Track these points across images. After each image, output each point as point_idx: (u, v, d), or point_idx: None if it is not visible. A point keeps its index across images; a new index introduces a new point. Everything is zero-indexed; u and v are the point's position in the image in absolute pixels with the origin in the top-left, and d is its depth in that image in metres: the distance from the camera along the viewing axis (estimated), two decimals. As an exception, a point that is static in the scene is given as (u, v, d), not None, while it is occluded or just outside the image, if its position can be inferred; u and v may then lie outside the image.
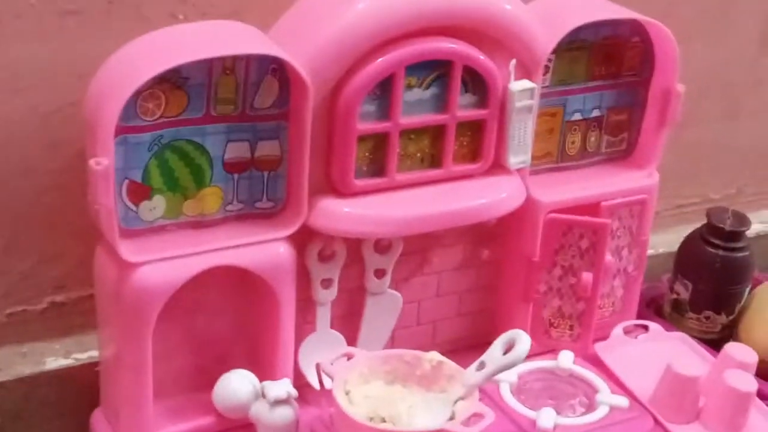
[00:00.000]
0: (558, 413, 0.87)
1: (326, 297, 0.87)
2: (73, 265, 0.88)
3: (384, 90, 0.81)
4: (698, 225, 1.09)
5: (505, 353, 0.81)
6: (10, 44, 0.80)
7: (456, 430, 0.77)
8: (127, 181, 0.77)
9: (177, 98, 0.76)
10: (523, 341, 0.80)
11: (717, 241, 1.04)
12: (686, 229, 1.11)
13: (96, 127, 0.73)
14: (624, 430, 0.88)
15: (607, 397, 0.89)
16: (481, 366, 0.81)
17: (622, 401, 0.89)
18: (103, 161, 0.72)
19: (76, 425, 0.86)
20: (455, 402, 0.81)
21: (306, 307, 0.87)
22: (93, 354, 0.89)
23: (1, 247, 0.86)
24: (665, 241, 1.17)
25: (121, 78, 0.73)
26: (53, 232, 0.87)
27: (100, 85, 0.75)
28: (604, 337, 0.99)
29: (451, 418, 0.79)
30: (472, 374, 0.81)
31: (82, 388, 0.88)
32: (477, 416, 0.78)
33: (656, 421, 0.89)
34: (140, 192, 0.78)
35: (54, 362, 0.89)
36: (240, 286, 0.84)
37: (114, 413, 0.84)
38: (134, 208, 0.78)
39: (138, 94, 0.74)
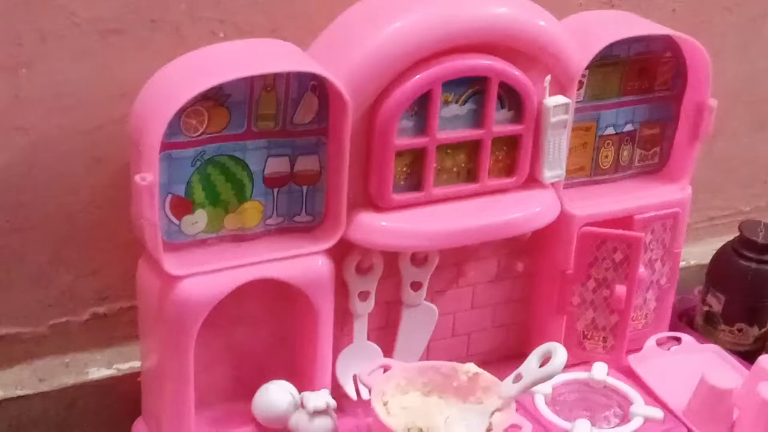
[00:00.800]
0: (593, 424, 0.87)
1: (363, 309, 0.89)
2: (115, 277, 0.90)
3: (421, 106, 0.82)
4: (729, 237, 1.09)
5: (541, 365, 0.82)
6: (54, 63, 0.82)
7: (493, 441, 0.78)
8: (170, 195, 0.79)
9: (219, 115, 0.78)
10: (560, 354, 0.81)
11: (750, 254, 1.05)
12: (717, 241, 1.11)
13: (141, 143, 0.75)
14: (658, 441, 0.89)
15: (642, 409, 0.90)
16: (518, 378, 0.82)
17: (657, 413, 0.89)
18: (148, 177, 0.74)
19: (120, 434, 0.88)
20: (492, 413, 0.82)
21: (343, 319, 0.88)
22: (134, 364, 0.91)
23: (46, 260, 0.88)
24: (697, 253, 1.18)
25: (165, 95, 0.75)
26: (96, 246, 0.89)
27: (145, 102, 0.77)
28: (638, 349, 1.00)
29: (489, 430, 0.80)
30: (508, 386, 0.82)
31: (123, 398, 0.90)
32: (514, 427, 0.79)
33: (690, 432, 0.90)
34: (183, 206, 0.79)
35: (96, 372, 0.91)
36: (279, 299, 0.85)
37: (155, 423, 0.85)
38: (177, 222, 0.80)
39: (182, 111, 0.75)
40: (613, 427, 0.89)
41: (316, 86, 0.80)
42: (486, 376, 0.85)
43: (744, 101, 1.17)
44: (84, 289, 0.90)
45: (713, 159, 1.14)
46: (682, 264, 1.05)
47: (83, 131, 0.85)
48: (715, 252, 1.09)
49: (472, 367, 0.85)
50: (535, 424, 0.86)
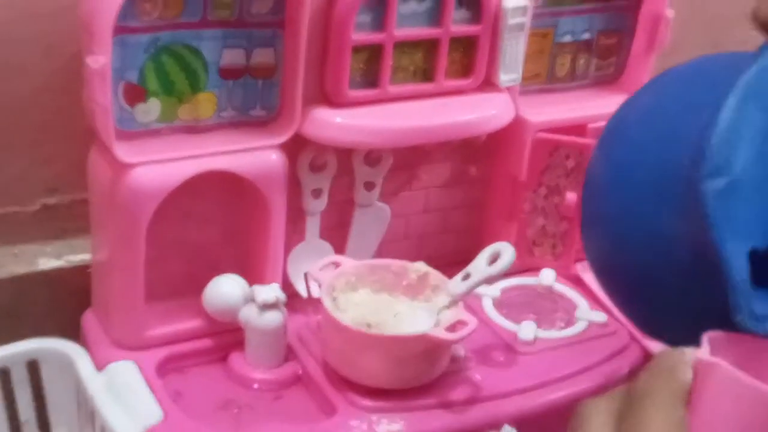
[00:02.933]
0: (538, 327, 0.89)
1: (316, 207, 0.89)
2: (67, 168, 0.89)
3: (379, 1, 0.82)
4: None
5: (490, 265, 0.83)
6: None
7: (440, 335, 0.79)
8: (123, 82, 0.78)
9: (173, 1, 0.77)
10: (508, 253, 0.82)
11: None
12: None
13: (93, 24, 0.73)
14: (602, 343, 0.90)
15: (586, 313, 0.92)
16: (466, 276, 0.83)
17: (600, 317, 0.91)
18: (101, 59, 0.73)
19: (68, 324, 0.87)
20: (440, 310, 0.83)
21: (296, 217, 0.88)
22: (85, 257, 0.90)
23: (-6, 148, 0.87)
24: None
25: (119, -23, 0.74)
26: (48, 135, 0.88)
27: (98, -16, 0.75)
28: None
29: (436, 326, 0.81)
30: (457, 284, 0.83)
31: (73, 290, 0.90)
32: (461, 323, 0.81)
33: (632, 336, 0.92)
34: (136, 94, 0.79)
35: (46, 263, 0.91)
36: (232, 193, 0.85)
37: (105, 314, 0.86)
38: (129, 109, 0.79)
39: (136, -6, 0.74)
40: (558, 330, 0.91)
41: (273, -24, 0.79)
42: (435, 274, 0.86)
43: (701, 19, 1.18)
44: (34, 179, 0.89)
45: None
46: (633, 179, 1.07)
47: (34, 15, 0.83)
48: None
49: (422, 266, 0.86)
50: (482, 325, 0.87)
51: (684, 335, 0.42)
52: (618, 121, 0.52)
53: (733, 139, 0.40)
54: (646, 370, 0.41)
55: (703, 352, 0.39)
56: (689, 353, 0.39)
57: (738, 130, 0.40)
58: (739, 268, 0.40)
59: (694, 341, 0.40)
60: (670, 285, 0.44)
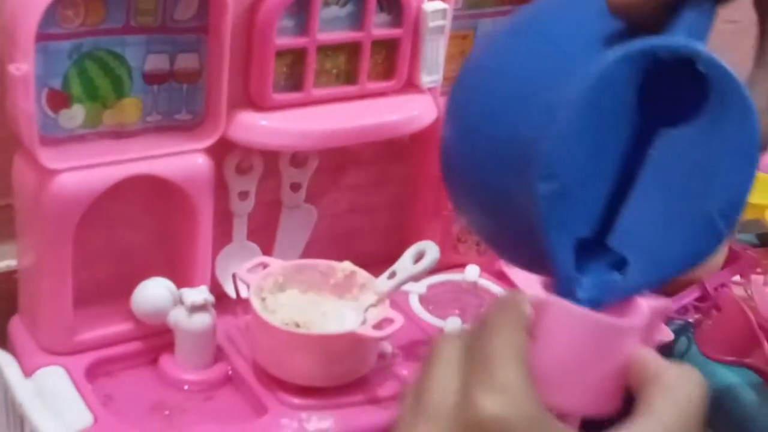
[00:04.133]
0: (464, 322, 0.91)
1: (243, 209, 0.90)
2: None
3: (302, 7, 0.83)
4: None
5: (415, 263, 0.85)
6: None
7: (367, 333, 0.81)
8: (46, 89, 0.78)
9: (96, 7, 0.77)
10: (432, 251, 0.85)
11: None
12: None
13: (15, 32, 0.73)
14: (525, 337, 0.93)
15: (510, 308, 0.94)
16: (392, 275, 0.85)
17: (524, 311, 0.94)
18: (23, 66, 0.73)
19: (-6, 331, 0.87)
20: (367, 309, 0.85)
21: (223, 219, 0.89)
22: (10, 263, 0.90)
23: None
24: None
25: (40, -16, 0.74)
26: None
27: (19, -9, 0.75)
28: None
29: (363, 323, 0.83)
30: (383, 282, 0.85)
31: (-1, 296, 0.90)
32: (387, 321, 0.82)
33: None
34: (60, 100, 0.79)
35: (-29, 270, 0.90)
36: (159, 197, 0.85)
37: (33, 320, 0.86)
38: (53, 115, 0.79)
39: (57, 1, 0.74)
40: (483, 325, 0.93)
41: (196, -18, 0.80)
42: (362, 273, 0.87)
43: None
44: (-43, 186, 0.89)
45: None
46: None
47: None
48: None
49: (348, 266, 0.88)
50: (409, 321, 0.89)
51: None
52: (469, 75, 0.51)
53: (569, 141, 0.42)
54: (489, 308, 0.44)
55: (537, 292, 0.44)
56: (527, 293, 0.44)
57: (575, 132, 0.42)
58: (564, 260, 0.43)
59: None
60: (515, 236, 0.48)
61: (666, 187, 0.43)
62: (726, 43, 0.51)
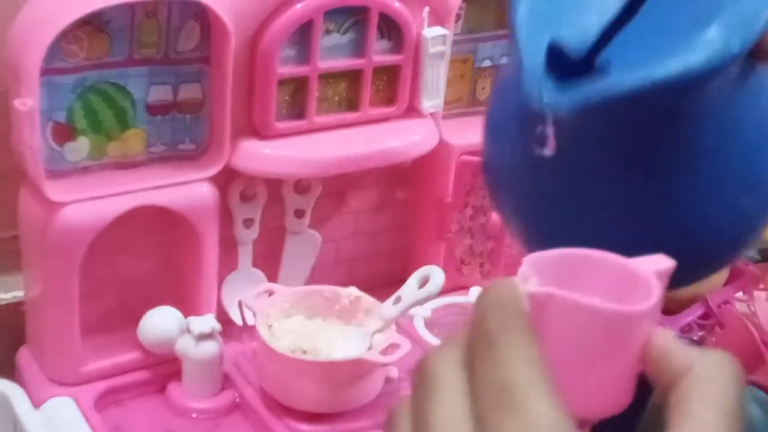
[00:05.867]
0: (469, 344, 0.91)
1: (248, 236, 0.91)
2: (-5, 207, 0.89)
3: (303, 35, 0.84)
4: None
5: (420, 288, 0.85)
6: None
7: (374, 359, 0.81)
8: (51, 122, 0.78)
9: (99, 41, 0.78)
10: (437, 276, 0.85)
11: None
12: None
13: (20, 67, 0.74)
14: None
15: (515, 329, 0.94)
16: (398, 300, 0.85)
17: (529, 332, 0.94)
18: (28, 102, 0.74)
19: (3, 362, 0.87)
20: (373, 334, 0.85)
21: (228, 246, 0.90)
22: (17, 294, 0.90)
23: None
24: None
25: (44, 19, 0.75)
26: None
27: (23, 26, 0.76)
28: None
29: (369, 349, 0.83)
30: (389, 307, 0.85)
31: (7, 327, 0.89)
32: (394, 346, 0.83)
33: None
34: (65, 133, 0.79)
35: (-22, 302, 0.91)
36: (164, 227, 0.86)
37: (40, 350, 0.86)
38: (59, 149, 0.80)
39: (61, 36, 0.75)
40: (488, 347, 0.93)
41: (198, 13, 0.80)
42: (367, 298, 0.88)
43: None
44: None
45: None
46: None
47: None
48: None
49: (353, 291, 0.88)
50: (415, 345, 0.89)
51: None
52: None
53: None
54: (480, 308, 0.37)
55: (532, 284, 0.38)
56: (520, 284, 0.37)
57: None
58: (533, 57, 0.41)
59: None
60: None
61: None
62: None
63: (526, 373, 0.34)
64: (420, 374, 0.37)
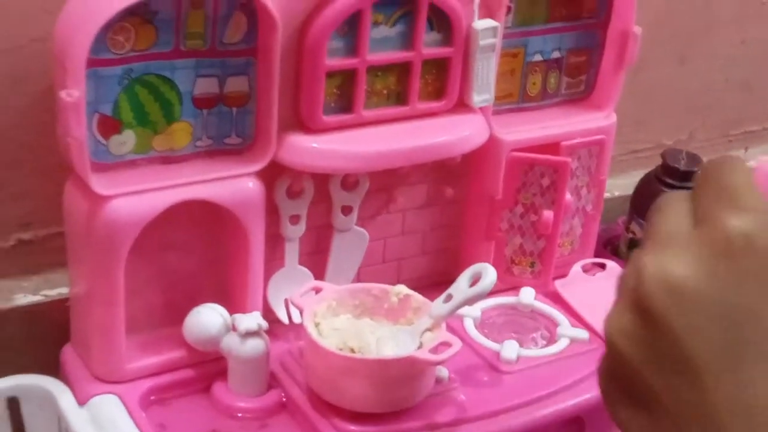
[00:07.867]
0: (520, 345, 0.89)
1: (294, 233, 0.89)
2: (41, 203, 0.88)
3: (351, 27, 0.82)
4: (652, 169, 1.11)
5: (471, 286, 0.83)
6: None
7: (425, 357, 0.79)
8: (97, 114, 0.77)
9: (146, 32, 0.77)
10: (489, 273, 0.82)
11: (672, 181, 1.07)
12: (641, 174, 1.14)
13: (66, 58, 0.73)
14: (584, 360, 0.90)
15: (568, 330, 0.92)
16: (448, 298, 0.83)
17: (582, 334, 0.91)
18: (75, 93, 0.73)
19: (48, 360, 0.86)
20: (423, 333, 0.83)
21: (275, 243, 0.88)
22: (62, 291, 0.90)
23: (-33, 185, 0.86)
24: (620, 185, 1.20)
25: (91, 10, 0.74)
26: (20, 170, 0.87)
27: (69, 17, 0.75)
28: (564, 275, 1.02)
29: (419, 348, 0.81)
30: (439, 306, 0.83)
31: (52, 325, 0.89)
32: (444, 345, 0.81)
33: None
34: (110, 126, 0.78)
35: (23, 299, 0.90)
36: (210, 222, 0.85)
37: (85, 348, 0.85)
38: (104, 142, 0.78)
39: (108, 27, 0.74)
40: (540, 348, 0.91)
41: (245, 4, 0.79)
42: (417, 297, 0.86)
43: (666, 33, 1.19)
44: (8, 215, 0.88)
45: (637, 93, 1.16)
46: (607, 195, 1.07)
47: (4, 50, 0.83)
48: (638, 181, 1.12)
49: (402, 289, 0.86)
50: (465, 345, 0.87)
51: None
52: None
53: None
54: (705, 171, 0.44)
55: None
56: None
57: None
58: None
59: None
60: None
61: None
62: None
63: (747, 180, 0.42)
64: (654, 212, 0.44)
